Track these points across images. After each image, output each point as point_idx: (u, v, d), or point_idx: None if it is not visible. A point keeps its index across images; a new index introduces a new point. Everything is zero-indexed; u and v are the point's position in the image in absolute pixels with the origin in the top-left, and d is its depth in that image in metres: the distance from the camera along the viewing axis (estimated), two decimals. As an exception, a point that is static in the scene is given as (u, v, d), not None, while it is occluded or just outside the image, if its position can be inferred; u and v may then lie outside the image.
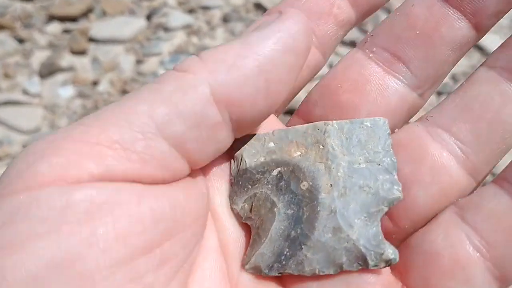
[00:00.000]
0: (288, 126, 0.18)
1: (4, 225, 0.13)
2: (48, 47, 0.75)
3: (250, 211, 0.17)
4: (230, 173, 0.17)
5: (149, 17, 0.79)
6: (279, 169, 0.17)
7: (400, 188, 0.17)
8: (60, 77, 0.71)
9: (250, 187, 0.17)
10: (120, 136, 0.14)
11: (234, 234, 0.17)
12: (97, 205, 0.13)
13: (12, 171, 0.14)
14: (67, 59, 0.73)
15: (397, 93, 0.18)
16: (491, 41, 0.75)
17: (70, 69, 0.72)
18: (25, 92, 0.70)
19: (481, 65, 0.17)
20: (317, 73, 0.19)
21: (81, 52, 0.73)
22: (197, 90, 0.14)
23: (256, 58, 0.14)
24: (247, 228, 0.17)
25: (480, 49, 0.75)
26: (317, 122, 0.17)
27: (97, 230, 0.13)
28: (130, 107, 0.14)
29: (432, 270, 0.16)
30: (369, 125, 0.17)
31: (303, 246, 0.16)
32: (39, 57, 0.74)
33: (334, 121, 0.17)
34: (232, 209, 0.17)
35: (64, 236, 0.13)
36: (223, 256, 0.16)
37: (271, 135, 0.17)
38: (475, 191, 0.17)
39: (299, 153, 0.17)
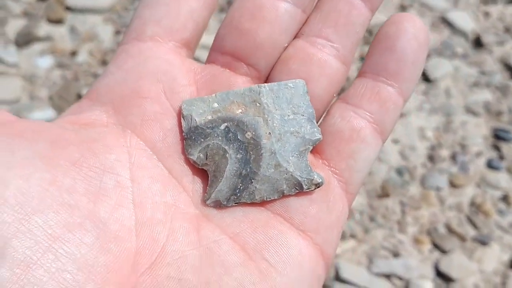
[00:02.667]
0: (207, 62, 0.23)
1: None
2: (23, 16, 0.73)
3: (206, 159, 0.21)
4: (182, 131, 0.21)
5: (126, -13, 0.78)
6: (226, 124, 0.21)
7: (320, 131, 0.22)
8: (37, 46, 0.71)
9: (202, 140, 0.21)
10: None
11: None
12: None
13: None
14: (44, 28, 0.72)
15: (286, 12, 0.22)
16: (460, 17, 0.79)
17: (48, 38, 0.71)
18: (1, 61, 0.69)
19: None
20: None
21: (58, 21, 0.72)
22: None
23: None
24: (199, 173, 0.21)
25: (450, 24, 0.78)
26: (252, 86, 0.22)
27: None
28: None
29: (339, 141, 0.22)
30: (292, 86, 0.22)
31: (253, 180, 0.21)
32: (14, 25, 0.72)
33: (265, 84, 0.22)
34: (188, 159, 0.21)
35: None
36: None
37: (214, 97, 0.21)
38: (349, 87, 0.23)
39: (240, 110, 0.21)
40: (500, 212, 0.61)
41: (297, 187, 0.21)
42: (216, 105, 0.21)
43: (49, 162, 0.18)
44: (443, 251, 0.58)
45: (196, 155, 0.21)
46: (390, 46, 0.22)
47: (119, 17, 0.74)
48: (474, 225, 0.60)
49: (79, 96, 0.66)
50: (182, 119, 0.21)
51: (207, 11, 0.23)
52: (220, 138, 0.21)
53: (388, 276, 0.56)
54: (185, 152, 0.21)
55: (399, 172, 0.64)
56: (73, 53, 0.70)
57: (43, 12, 0.73)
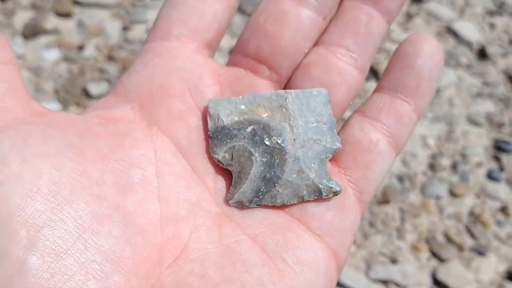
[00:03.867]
0: (230, 64, 0.24)
1: None
2: (31, 8, 0.73)
3: (231, 159, 0.21)
4: (207, 129, 0.22)
5: (135, -17, 0.78)
6: (252, 126, 0.22)
7: (340, 141, 0.23)
8: (44, 39, 0.71)
9: (228, 140, 0.21)
10: None
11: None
12: None
13: None
14: (51, 21, 0.72)
15: (308, 18, 0.23)
16: (466, 27, 0.79)
17: (55, 31, 0.71)
18: (8, 52, 0.69)
19: None
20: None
21: (66, 15, 0.73)
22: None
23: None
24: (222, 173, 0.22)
25: (455, 34, 0.78)
26: (279, 90, 0.22)
27: None
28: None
29: (357, 151, 0.23)
30: (316, 94, 0.22)
31: (276, 184, 0.21)
32: (21, 17, 0.72)
33: (291, 90, 0.22)
34: (213, 158, 0.21)
35: None
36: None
37: (241, 99, 0.22)
38: (366, 101, 0.24)
39: (266, 114, 0.22)
40: (498, 223, 0.62)
41: (316, 194, 0.21)
42: (243, 107, 0.22)
43: (80, 153, 0.18)
44: (441, 260, 0.59)
45: (221, 154, 0.21)
46: (408, 64, 0.23)
47: (127, 12, 0.74)
48: (472, 235, 0.61)
49: (84, 91, 0.66)
50: (208, 117, 0.22)
51: (229, 13, 0.24)
52: (246, 140, 0.22)
53: (385, 282, 0.57)
54: (209, 151, 0.21)
55: (400, 179, 0.64)
56: (80, 47, 0.70)
57: (51, 5, 0.73)
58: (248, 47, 0.23)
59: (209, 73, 0.23)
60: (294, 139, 0.22)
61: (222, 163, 0.21)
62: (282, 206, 0.21)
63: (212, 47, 0.24)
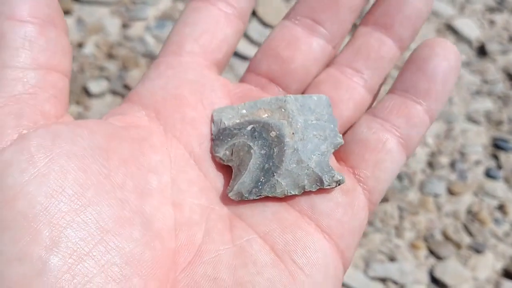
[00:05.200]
0: (241, 81, 0.25)
1: None
2: (30, 5, 0.73)
3: (231, 155, 0.22)
4: (211, 133, 0.22)
5: (134, -21, 0.78)
6: (252, 125, 0.22)
7: (341, 136, 0.23)
8: (43, 36, 0.71)
9: (229, 139, 0.22)
10: None
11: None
12: None
13: None
14: (50, 18, 0.72)
15: (318, 46, 0.24)
16: (465, 24, 0.79)
17: (54, 29, 0.71)
18: (8, 50, 0.69)
19: (360, 24, 0.25)
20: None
21: (65, 12, 0.72)
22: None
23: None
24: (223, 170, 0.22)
25: (455, 31, 0.78)
26: (278, 96, 0.23)
27: None
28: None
29: (364, 149, 0.23)
30: (316, 99, 0.23)
31: (275, 174, 0.21)
32: (21, 14, 0.72)
33: (291, 95, 0.23)
34: (215, 157, 0.22)
35: None
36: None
37: (243, 105, 0.23)
38: (377, 103, 0.24)
39: (266, 115, 0.22)
40: (496, 221, 0.62)
41: (318, 183, 0.21)
42: (244, 111, 0.23)
43: (105, 156, 0.19)
44: (439, 258, 0.59)
45: (222, 152, 0.22)
46: (421, 66, 0.23)
47: (127, 10, 0.74)
48: (470, 233, 0.61)
49: (84, 88, 0.66)
50: (212, 124, 0.22)
51: (237, 38, 0.25)
52: (246, 137, 0.22)
53: (383, 280, 0.57)
54: (212, 151, 0.22)
55: (399, 177, 0.65)
56: (80, 45, 0.70)
57: (50, 2, 0.73)
58: (261, 66, 0.24)
59: (220, 88, 0.23)
60: (293, 133, 0.22)
61: (223, 160, 0.22)
62: (287, 199, 0.21)
63: (220, 67, 0.24)
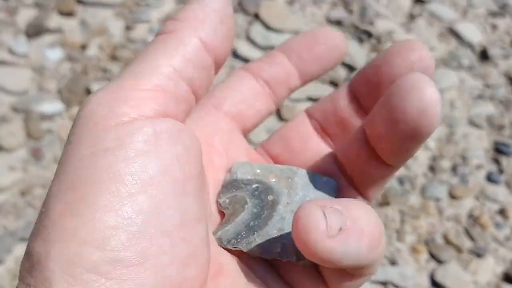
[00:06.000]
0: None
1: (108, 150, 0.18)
2: (34, 6, 0.74)
3: (229, 204, 0.23)
4: (224, 180, 0.24)
5: (138, -18, 0.78)
6: (258, 184, 0.24)
7: None
8: (47, 38, 0.71)
9: (234, 190, 0.24)
10: (159, 82, 0.19)
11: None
12: (177, 131, 0.19)
13: (94, 117, 0.18)
14: (54, 20, 0.72)
15: (326, 150, 0.25)
16: (468, 28, 0.79)
17: (58, 30, 0.72)
18: (12, 51, 0.69)
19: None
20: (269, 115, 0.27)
21: (69, 14, 0.73)
22: (191, 41, 0.20)
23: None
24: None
25: (457, 35, 0.79)
26: (292, 166, 0.24)
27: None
28: (151, 61, 0.20)
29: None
30: (325, 181, 0.24)
31: (255, 233, 0.22)
32: (25, 15, 0.73)
33: (304, 169, 0.24)
34: (217, 201, 0.24)
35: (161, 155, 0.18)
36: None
37: (260, 165, 0.25)
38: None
39: (274, 180, 0.24)
40: (497, 225, 0.62)
41: (288, 256, 0.22)
42: (258, 170, 0.24)
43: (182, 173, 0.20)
44: (439, 261, 0.59)
45: (223, 199, 0.24)
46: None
47: (130, 12, 0.74)
48: (470, 237, 0.61)
49: (87, 90, 0.67)
50: (228, 173, 0.25)
51: (266, 116, 0.27)
52: (248, 192, 0.24)
53: (384, 284, 0.57)
54: (217, 196, 0.24)
55: (400, 181, 0.65)
56: (83, 47, 0.70)
57: (54, 4, 0.73)
58: (271, 151, 0.26)
59: (242, 149, 0.26)
60: (288, 203, 0.23)
61: (221, 206, 0.24)
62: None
63: (246, 133, 0.27)
